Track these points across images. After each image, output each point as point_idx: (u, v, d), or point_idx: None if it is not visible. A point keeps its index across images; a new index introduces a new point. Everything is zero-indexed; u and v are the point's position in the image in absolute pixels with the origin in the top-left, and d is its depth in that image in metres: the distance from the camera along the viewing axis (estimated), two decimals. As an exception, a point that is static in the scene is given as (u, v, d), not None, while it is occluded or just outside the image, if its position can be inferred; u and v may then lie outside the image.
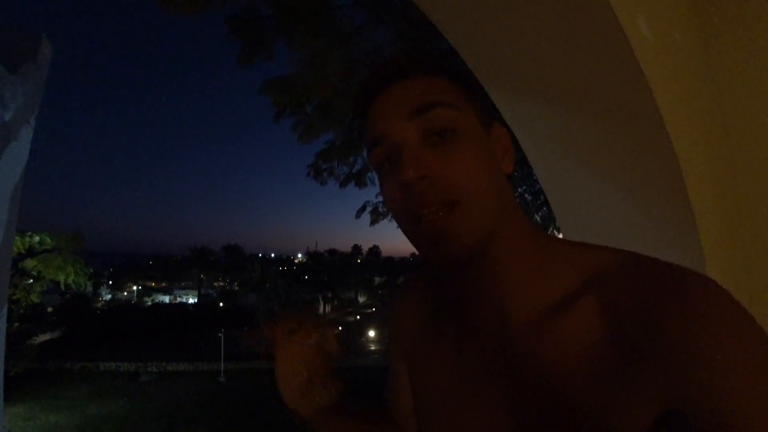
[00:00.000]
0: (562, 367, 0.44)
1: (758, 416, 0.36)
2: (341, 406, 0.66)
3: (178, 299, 56.06)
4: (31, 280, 18.07)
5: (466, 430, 0.52)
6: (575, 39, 1.08)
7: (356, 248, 62.55)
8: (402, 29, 3.37)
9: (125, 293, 55.77)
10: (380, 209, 7.70)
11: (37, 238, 16.83)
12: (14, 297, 16.66)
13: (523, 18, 1.13)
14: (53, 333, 31.21)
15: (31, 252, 17.06)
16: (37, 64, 4.65)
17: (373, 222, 7.72)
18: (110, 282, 55.30)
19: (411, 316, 0.65)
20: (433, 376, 0.57)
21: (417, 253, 0.51)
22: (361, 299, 55.84)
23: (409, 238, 0.51)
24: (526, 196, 6.53)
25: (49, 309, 34.90)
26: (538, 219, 6.62)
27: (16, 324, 17.90)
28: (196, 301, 52.99)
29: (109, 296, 53.17)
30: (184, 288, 57.74)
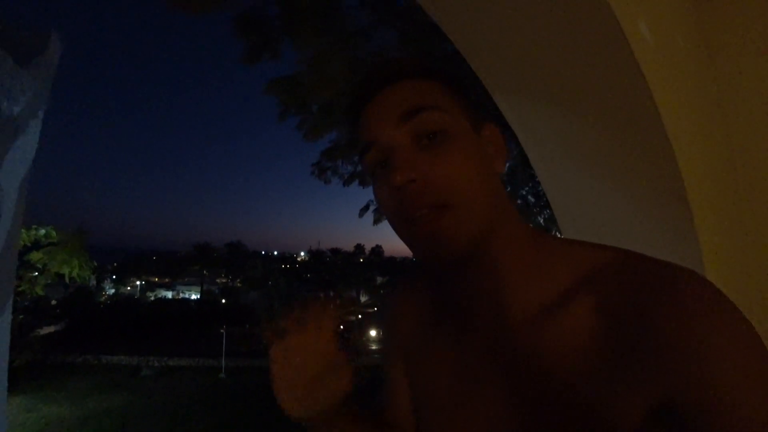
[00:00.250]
0: (559, 362, 0.45)
1: (747, 408, 0.36)
2: (348, 408, 0.60)
3: (181, 295, 56.20)
4: (36, 273, 18.18)
5: (466, 426, 0.52)
6: (576, 41, 1.09)
7: (359, 247, 62.50)
8: (406, 31, 3.39)
9: (128, 288, 56.01)
10: (383, 209, 7.70)
11: (42, 232, 16.93)
12: (19, 289, 16.78)
13: (525, 20, 1.15)
14: (57, 326, 31.37)
15: (36, 245, 17.16)
16: (46, 59, 4.67)
17: (376, 221, 7.72)
18: (114, 276, 55.53)
19: (407, 316, 0.66)
20: (432, 375, 0.58)
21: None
22: (363, 299, 55.90)
23: (403, 239, 0.51)
24: (529, 197, 6.53)
25: (53, 302, 35.11)
26: (541, 221, 6.60)
27: (21, 316, 18.03)
28: (198, 297, 53.14)
29: (112, 290, 53.38)
30: (186, 284, 57.87)
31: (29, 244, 16.50)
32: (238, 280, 53.26)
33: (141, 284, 56.75)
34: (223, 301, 47.54)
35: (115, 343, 30.60)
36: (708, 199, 1.14)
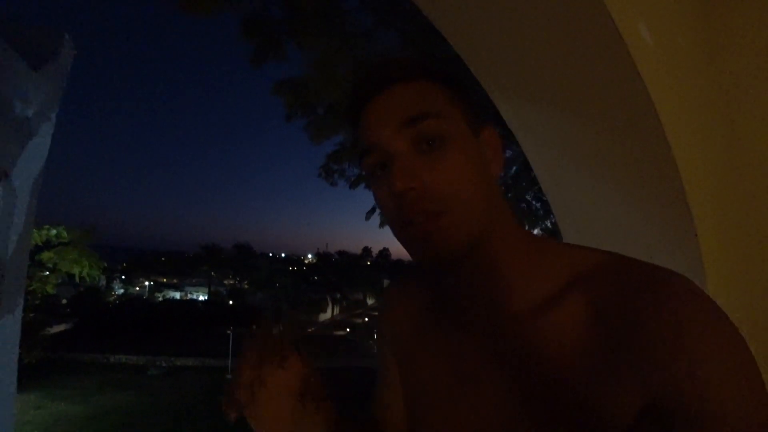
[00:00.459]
0: (551, 360, 0.47)
1: (731, 408, 0.37)
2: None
3: (189, 296, 56.52)
4: (47, 272, 18.39)
5: (459, 422, 0.53)
6: (574, 43, 1.10)
7: (366, 250, 62.46)
8: (408, 33, 3.42)
9: (137, 288, 56.42)
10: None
11: (54, 232, 17.15)
12: (30, 288, 16.97)
13: (522, 22, 1.16)
14: (67, 324, 31.69)
15: (48, 245, 17.38)
16: (59, 63, 4.75)
17: (382, 224, 7.70)
18: (123, 276, 55.96)
19: (402, 315, 0.67)
20: (425, 371, 0.59)
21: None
22: (370, 301, 55.80)
23: (399, 240, 0.53)
24: (533, 202, 6.50)
25: (64, 301, 35.48)
26: (549, 225, 6.56)
27: (32, 314, 18.22)
28: (206, 298, 53.40)
29: (121, 290, 53.79)
30: (194, 285, 58.16)
31: (41, 244, 16.71)
32: (246, 282, 53.41)
33: (149, 284, 57.13)
34: (231, 302, 47.70)
35: (123, 343, 30.82)
36: (708, 201, 1.14)
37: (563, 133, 1.41)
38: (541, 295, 0.50)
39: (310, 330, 42.94)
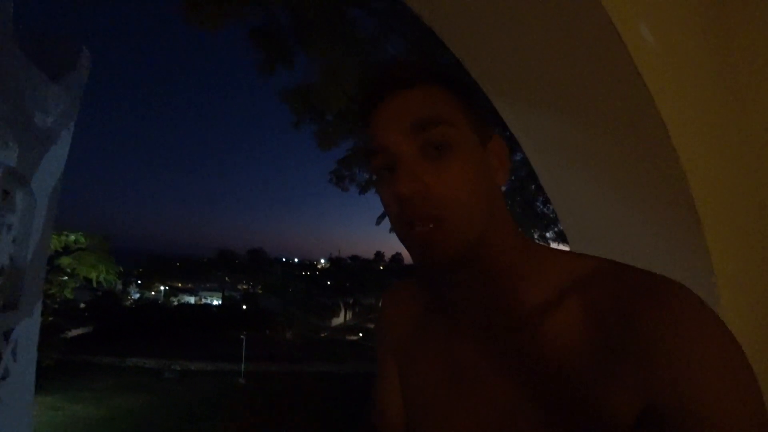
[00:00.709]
0: (548, 362, 0.47)
1: (727, 413, 0.38)
2: None
3: (203, 300, 57.06)
4: (66, 277, 18.75)
5: (457, 424, 0.54)
6: (574, 46, 1.10)
7: (378, 255, 62.44)
8: (413, 39, 3.45)
9: (153, 292, 57.13)
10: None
11: (72, 237, 17.52)
12: (49, 292, 17.33)
13: (522, 28, 1.16)
14: (85, 328, 32.24)
15: (66, 250, 17.74)
16: (77, 73, 4.93)
17: (392, 228, 7.69)
18: (139, 281, 56.75)
19: (401, 319, 0.68)
20: (423, 374, 0.60)
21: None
22: (382, 306, 55.33)
23: (401, 241, 0.54)
24: (540, 206, 6.45)
25: (82, 305, 36.12)
26: (557, 230, 6.51)
27: (51, 318, 18.59)
28: (219, 302, 53.86)
29: (137, 295, 54.53)
30: (208, 289, 58.71)
31: (60, 249, 17.07)
32: (259, 287, 53.77)
33: (165, 289, 57.82)
34: (244, 307, 48.02)
35: (139, 346, 31.23)
36: (717, 205, 1.12)
37: (566, 138, 1.42)
38: (539, 301, 0.51)
39: (323, 335, 43.02)
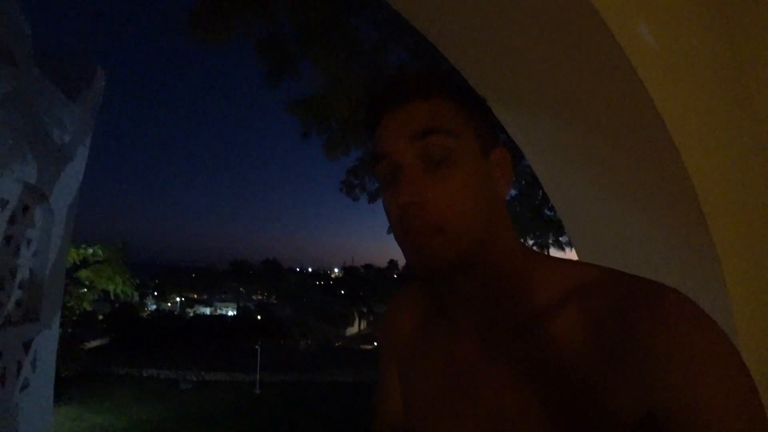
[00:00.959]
0: (546, 367, 0.48)
1: (725, 418, 0.39)
2: None
3: (218, 311, 57.41)
4: (85, 289, 19.11)
5: (456, 427, 0.55)
6: (570, 52, 1.10)
7: (392, 263, 62.21)
8: (414, 48, 3.49)
9: (169, 304, 57.72)
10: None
11: (90, 250, 17.88)
12: (68, 304, 17.65)
13: (518, 35, 1.18)
14: (103, 339, 32.66)
15: (85, 263, 18.09)
16: (92, 91, 5.08)
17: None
18: (155, 293, 57.38)
19: (404, 323, 0.69)
20: (424, 377, 0.61)
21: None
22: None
23: (400, 247, 0.55)
24: (549, 213, 6.39)
25: (100, 316, 36.62)
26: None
27: (70, 330, 18.89)
28: (235, 313, 54.12)
29: (154, 306, 55.09)
30: (223, 300, 59.07)
31: (78, 262, 17.43)
32: (273, 296, 53.93)
33: (181, 300, 58.40)
34: (259, 317, 48.17)
35: (155, 357, 31.49)
36: (723, 207, 1.10)
37: (567, 142, 1.42)
38: (539, 307, 0.51)
39: (337, 344, 42.90)
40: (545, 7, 1.05)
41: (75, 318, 19.56)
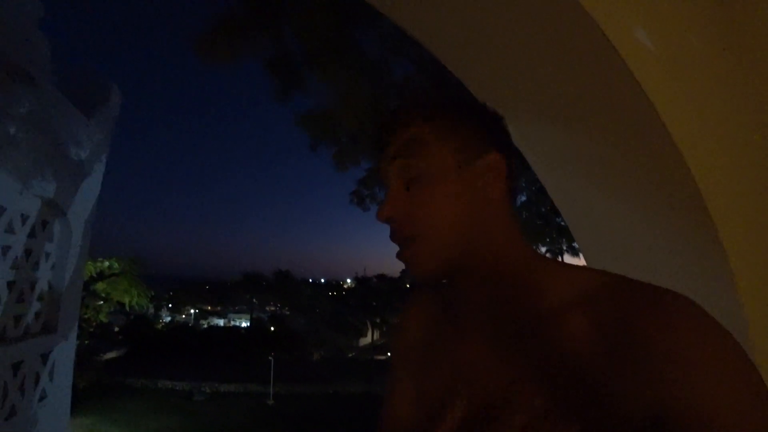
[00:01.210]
0: (552, 372, 0.49)
1: (732, 422, 0.39)
2: None
3: (232, 322, 57.55)
4: (101, 302, 19.38)
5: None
6: (569, 59, 1.11)
7: (405, 273, 61.72)
8: (419, 60, 3.54)
9: (183, 315, 58.09)
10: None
11: (107, 263, 18.16)
12: (85, 316, 17.92)
13: (517, 45, 1.19)
14: (119, 351, 32.93)
15: (101, 275, 18.37)
16: (108, 108, 5.23)
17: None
18: (170, 305, 57.79)
19: (415, 329, 0.72)
20: (433, 381, 0.63)
21: None
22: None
23: None
24: (558, 220, 6.35)
25: (116, 328, 37.00)
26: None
27: (87, 341, 19.13)
28: (248, 324, 54.22)
29: (168, 318, 55.50)
30: (237, 312, 59.20)
31: (95, 275, 17.70)
32: (286, 308, 53.91)
33: (195, 312, 58.70)
34: (272, 328, 48.17)
35: (170, 368, 31.63)
36: (731, 209, 1.08)
37: (569, 150, 1.42)
38: (545, 311, 0.52)
39: (350, 355, 42.67)
40: (541, 16, 1.07)
41: (91, 330, 19.83)
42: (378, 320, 49.87)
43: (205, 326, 52.34)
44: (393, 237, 0.59)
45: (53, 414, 4.77)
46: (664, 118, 1.01)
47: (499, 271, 0.57)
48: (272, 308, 58.29)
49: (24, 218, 4.19)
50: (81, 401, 18.31)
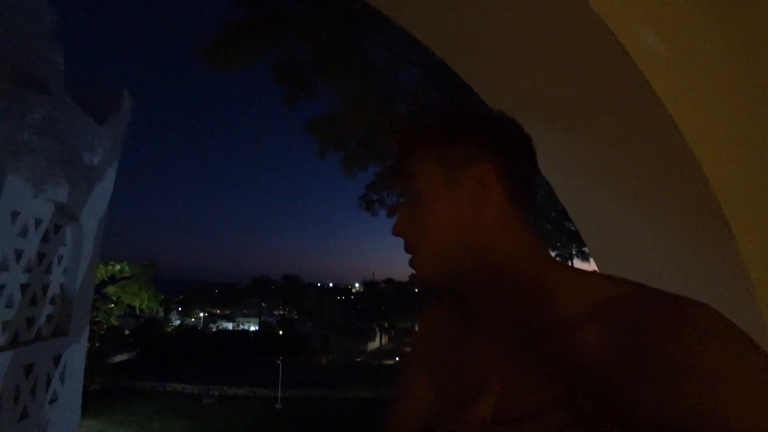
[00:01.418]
0: (569, 378, 0.49)
1: (752, 423, 0.38)
2: None
3: (240, 326, 57.82)
4: (112, 305, 19.58)
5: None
6: (578, 60, 1.09)
7: (413, 277, 61.43)
8: (427, 65, 3.55)
9: (192, 319, 58.44)
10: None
11: (118, 267, 18.35)
12: (96, 319, 18.11)
13: (526, 49, 1.18)
14: (129, 353, 33.19)
15: (112, 279, 18.57)
16: (120, 115, 5.31)
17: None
18: (179, 308, 58.20)
19: (434, 333, 0.74)
20: (451, 384, 0.64)
21: None
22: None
23: None
24: (569, 224, 6.30)
25: (126, 331, 37.33)
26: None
27: (97, 344, 19.31)
28: (256, 328, 54.40)
29: (178, 321, 55.84)
30: (245, 315, 59.44)
31: (106, 279, 17.89)
32: (295, 312, 54.02)
33: (204, 315, 59.04)
34: (280, 332, 48.26)
35: (179, 372, 31.83)
36: (748, 214, 1.05)
37: (580, 154, 1.41)
38: (563, 319, 0.52)
39: (358, 359, 42.60)
40: (550, 18, 1.06)
41: (102, 332, 20.00)
42: (386, 325, 49.78)
43: (214, 330, 52.60)
44: (404, 249, 0.65)
45: (64, 416, 4.80)
46: (678, 122, 0.99)
47: (506, 277, 0.58)
48: (281, 312, 58.43)
49: (37, 222, 4.24)
50: (91, 403, 18.47)
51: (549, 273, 0.57)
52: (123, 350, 32.52)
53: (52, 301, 4.67)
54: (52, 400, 4.61)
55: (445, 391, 0.65)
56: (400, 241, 0.66)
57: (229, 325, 57.73)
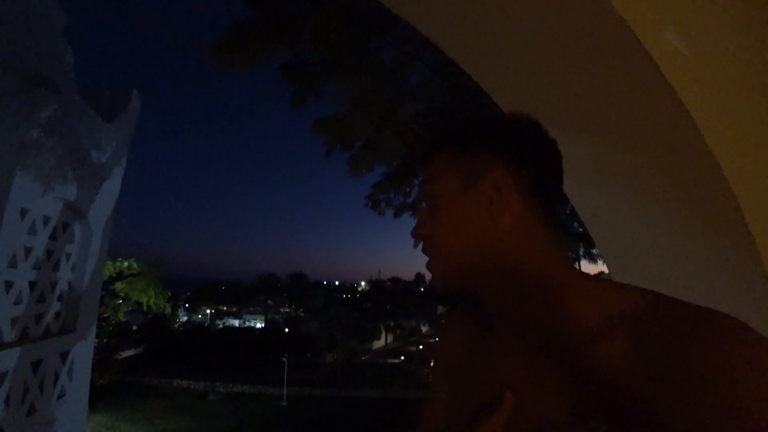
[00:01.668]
0: (591, 390, 0.48)
1: None
2: None
3: (247, 323, 58.26)
4: (120, 301, 19.74)
5: None
6: (596, 61, 1.07)
7: (419, 277, 61.71)
8: (436, 66, 3.52)
9: (200, 316, 58.96)
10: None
11: (126, 264, 18.47)
12: (104, 315, 18.27)
13: (543, 51, 1.16)
14: (136, 350, 33.51)
15: (120, 275, 18.70)
16: (128, 114, 5.34)
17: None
18: (187, 305, 58.73)
19: (455, 343, 0.74)
20: (471, 394, 0.63)
21: None
22: (424, 329, 54.71)
23: None
24: (576, 226, 6.24)
25: (134, 327, 37.66)
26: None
27: (105, 340, 19.48)
28: (263, 325, 54.72)
29: (185, 318, 56.36)
30: (252, 313, 59.94)
31: (114, 275, 18.01)
32: (301, 310, 54.27)
33: (211, 312, 59.54)
34: (286, 330, 48.49)
35: (186, 368, 32.11)
36: None
37: (597, 160, 1.38)
38: (585, 329, 0.51)
39: (363, 358, 42.68)
40: (569, 18, 1.03)
41: (110, 329, 20.17)
42: (391, 323, 49.84)
43: (221, 326, 52.98)
44: (423, 251, 0.65)
45: (71, 412, 4.85)
46: (701, 127, 0.95)
47: (522, 286, 0.56)
48: (287, 310, 58.79)
49: (46, 220, 4.27)
50: (99, 399, 18.69)
51: (567, 283, 0.55)
52: (130, 346, 32.79)
53: (60, 298, 4.71)
54: (60, 396, 4.66)
55: (461, 403, 0.65)
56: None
57: (236, 322, 58.17)
